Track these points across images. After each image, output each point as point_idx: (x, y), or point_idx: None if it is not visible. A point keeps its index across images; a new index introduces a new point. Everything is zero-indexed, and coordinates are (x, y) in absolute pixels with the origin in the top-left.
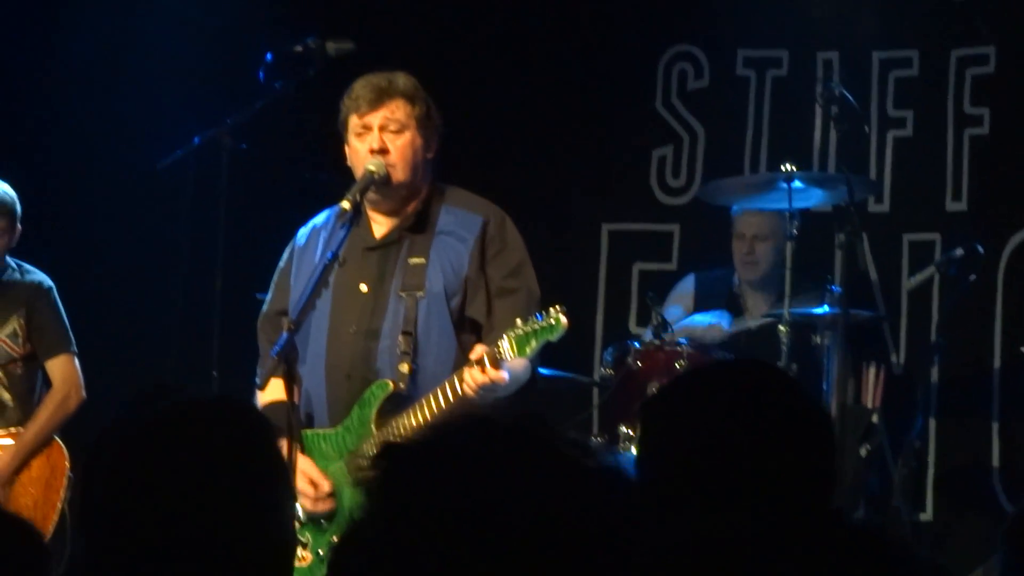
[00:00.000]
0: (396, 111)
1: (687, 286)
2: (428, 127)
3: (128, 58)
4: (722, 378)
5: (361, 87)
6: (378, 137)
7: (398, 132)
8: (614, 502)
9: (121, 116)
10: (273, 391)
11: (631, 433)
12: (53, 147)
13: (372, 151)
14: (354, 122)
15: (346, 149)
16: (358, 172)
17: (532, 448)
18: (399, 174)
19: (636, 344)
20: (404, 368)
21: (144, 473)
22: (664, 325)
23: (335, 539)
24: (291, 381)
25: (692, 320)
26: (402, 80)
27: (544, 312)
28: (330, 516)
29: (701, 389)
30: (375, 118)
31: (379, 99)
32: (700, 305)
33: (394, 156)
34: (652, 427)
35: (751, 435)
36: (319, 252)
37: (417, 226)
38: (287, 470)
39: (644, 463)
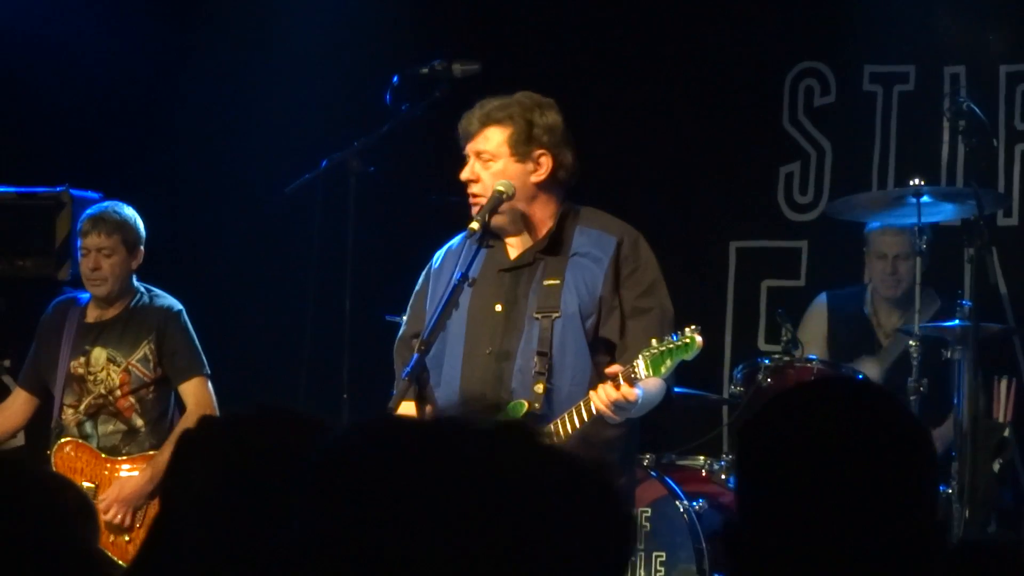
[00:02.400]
0: (486, 141)
1: (820, 307)
2: (526, 151)
3: (257, 82)
4: (818, 398)
5: (463, 117)
6: (470, 168)
7: (489, 161)
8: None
9: (250, 140)
10: (404, 412)
11: None
12: (184, 172)
13: (463, 180)
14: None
15: None
16: (487, 194)
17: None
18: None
19: (766, 361)
20: (539, 388)
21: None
22: (794, 341)
23: None
24: (422, 403)
25: None
26: (497, 105)
27: (679, 332)
28: None
29: (797, 411)
30: (471, 149)
31: (471, 130)
32: (834, 324)
33: (485, 184)
34: (749, 452)
35: (850, 456)
36: (451, 274)
37: (552, 247)
38: None
39: (743, 489)
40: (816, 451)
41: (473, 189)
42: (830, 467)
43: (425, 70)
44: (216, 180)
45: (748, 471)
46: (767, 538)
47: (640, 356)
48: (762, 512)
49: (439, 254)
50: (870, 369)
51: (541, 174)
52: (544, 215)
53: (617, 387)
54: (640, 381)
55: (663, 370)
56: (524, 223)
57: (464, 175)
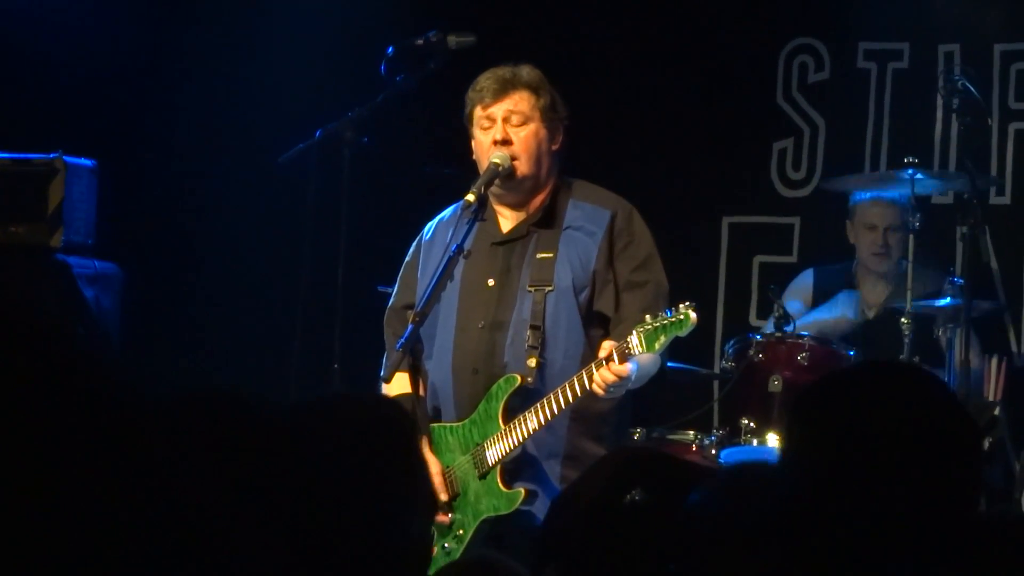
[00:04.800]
0: (520, 103)
1: (806, 280)
2: (553, 119)
3: (250, 52)
4: (871, 381)
5: (485, 79)
6: (501, 128)
7: (522, 124)
8: None
9: (243, 110)
10: (398, 384)
11: (752, 425)
12: (177, 141)
13: (495, 143)
14: (478, 114)
15: (472, 143)
16: (483, 165)
17: None
18: (523, 166)
19: (757, 337)
20: (532, 362)
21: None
22: (785, 318)
23: (460, 532)
24: (416, 374)
25: (818, 314)
26: (526, 72)
27: (673, 308)
28: (455, 509)
29: (851, 392)
30: (498, 109)
31: (503, 90)
32: (819, 299)
33: (518, 147)
34: (800, 427)
35: (899, 440)
36: (445, 246)
37: (544, 221)
38: (425, 468)
39: (790, 462)
40: (868, 432)
41: (513, 151)
42: (879, 450)
43: (420, 41)
44: (209, 149)
45: (798, 441)
46: (810, 508)
47: (634, 331)
48: (805, 484)
49: (430, 225)
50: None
51: (557, 145)
52: (547, 187)
53: (611, 370)
54: (634, 356)
55: (657, 346)
56: (529, 193)
57: (500, 136)
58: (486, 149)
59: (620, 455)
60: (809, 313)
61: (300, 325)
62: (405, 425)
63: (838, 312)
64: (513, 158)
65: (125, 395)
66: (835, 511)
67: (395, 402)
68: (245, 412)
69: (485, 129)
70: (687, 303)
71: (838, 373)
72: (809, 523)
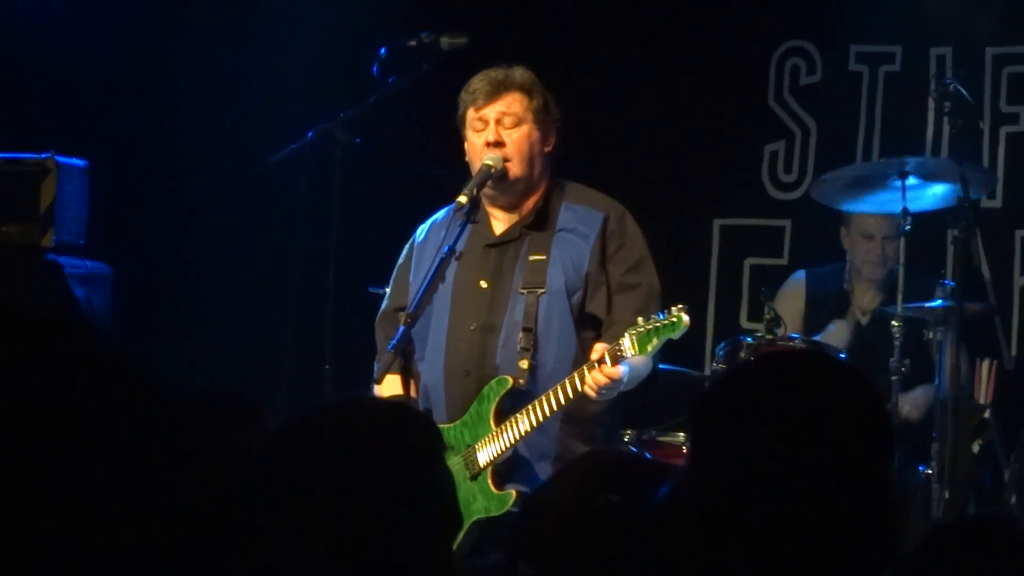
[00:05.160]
0: (513, 104)
1: (798, 284)
2: (545, 121)
3: (243, 52)
4: (772, 368)
5: (478, 80)
6: (494, 130)
7: (515, 126)
8: None
9: (236, 110)
10: (389, 386)
11: None
12: (170, 141)
13: (488, 144)
14: (471, 116)
15: (464, 144)
16: (476, 167)
17: None
18: (516, 168)
19: (749, 339)
20: (524, 364)
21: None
22: (777, 320)
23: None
24: (407, 376)
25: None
26: (519, 73)
27: (666, 310)
28: None
29: (752, 383)
30: (491, 111)
31: (496, 92)
32: (812, 302)
33: (510, 149)
34: (703, 424)
35: (801, 424)
36: (437, 248)
37: (537, 223)
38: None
39: (697, 459)
40: (768, 419)
41: (506, 153)
42: (781, 435)
43: (413, 43)
44: (201, 149)
45: (701, 438)
46: (714, 504)
47: (626, 334)
48: (711, 478)
49: (423, 227)
50: (840, 332)
51: (549, 147)
52: (539, 189)
53: (603, 372)
54: (626, 358)
55: (650, 348)
56: (522, 195)
57: (493, 137)
58: (479, 151)
59: (589, 458)
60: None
61: (291, 326)
62: (432, 434)
63: (830, 340)
64: (506, 160)
65: (146, 391)
66: (735, 496)
67: (422, 412)
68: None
69: (478, 131)
70: (679, 305)
71: (740, 365)
72: (709, 507)
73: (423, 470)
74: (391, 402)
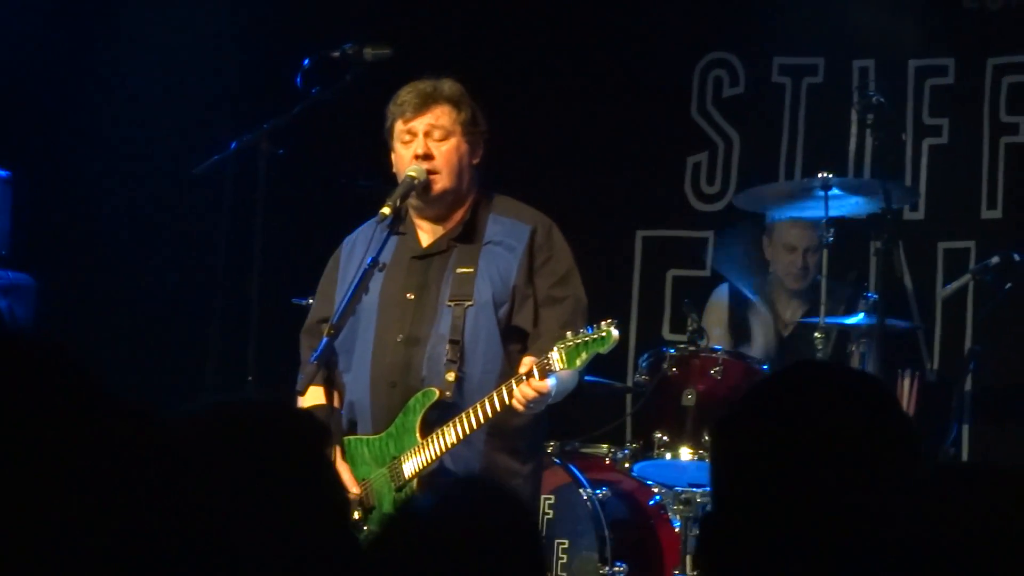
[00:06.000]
0: (441, 117)
1: (721, 298)
2: (473, 133)
3: (165, 63)
4: (795, 388)
5: (407, 92)
6: (423, 142)
7: (443, 139)
8: None
9: (158, 121)
10: (313, 396)
11: (666, 439)
12: (91, 152)
13: (417, 157)
14: (399, 128)
15: (392, 156)
16: (402, 179)
17: None
18: (444, 180)
19: (671, 351)
20: (450, 376)
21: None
22: (700, 331)
23: None
24: (331, 387)
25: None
26: (447, 86)
27: (595, 325)
28: (370, 522)
29: (775, 402)
30: (420, 124)
31: (424, 104)
32: (735, 315)
33: (439, 162)
34: (725, 445)
35: (828, 446)
36: (362, 259)
37: (465, 235)
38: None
39: (720, 484)
40: (794, 441)
41: (434, 165)
42: (808, 458)
43: (336, 54)
44: (124, 160)
45: (725, 464)
46: (745, 531)
47: (555, 348)
48: (740, 505)
49: (349, 239)
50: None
51: (477, 159)
52: (467, 201)
53: (531, 386)
54: (554, 372)
55: (578, 362)
56: (449, 208)
57: (422, 150)
58: (407, 163)
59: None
60: None
61: (215, 337)
62: (315, 433)
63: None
64: (433, 172)
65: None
66: (766, 521)
67: (304, 411)
68: (142, 419)
69: (406, 143)
70: (609, 320)
71: (760, 385)
72: (740, 535)
73: (305, 468)
74: (271, 401)
